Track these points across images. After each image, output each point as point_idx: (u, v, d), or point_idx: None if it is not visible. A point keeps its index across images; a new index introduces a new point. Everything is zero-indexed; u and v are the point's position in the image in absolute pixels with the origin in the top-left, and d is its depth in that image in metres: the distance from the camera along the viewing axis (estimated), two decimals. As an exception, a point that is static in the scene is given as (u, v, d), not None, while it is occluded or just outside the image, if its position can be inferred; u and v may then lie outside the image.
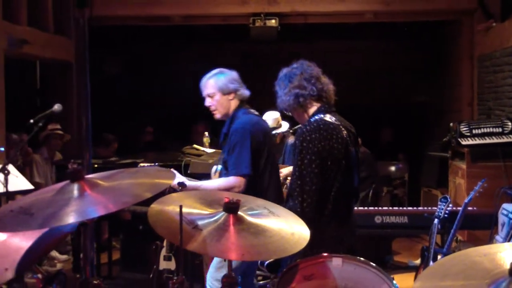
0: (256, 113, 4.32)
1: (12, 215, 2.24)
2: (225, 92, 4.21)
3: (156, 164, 5.86)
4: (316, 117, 3.34)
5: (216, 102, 4.24)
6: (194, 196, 2.62)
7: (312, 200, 3.08)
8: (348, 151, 3.29)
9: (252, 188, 3.94)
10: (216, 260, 4.10)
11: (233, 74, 4.29)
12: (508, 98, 7.37)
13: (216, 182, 4.20)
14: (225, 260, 3.73)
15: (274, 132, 6.28)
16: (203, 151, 5.93)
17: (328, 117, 3.32)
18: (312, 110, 3.40)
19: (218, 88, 4.22)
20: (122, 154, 7.43)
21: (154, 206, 2.53)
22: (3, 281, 2.30)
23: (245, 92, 4.25)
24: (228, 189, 4.00)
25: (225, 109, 4.24)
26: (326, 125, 3.26)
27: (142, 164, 6.34)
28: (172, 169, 4.25)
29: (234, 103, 4.24)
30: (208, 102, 4.29)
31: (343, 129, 3.32)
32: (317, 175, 3.13)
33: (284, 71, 3.51)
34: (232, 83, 4.23)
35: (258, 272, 4.63)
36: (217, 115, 4.30)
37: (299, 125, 6.41)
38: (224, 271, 4.01)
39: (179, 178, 4.17)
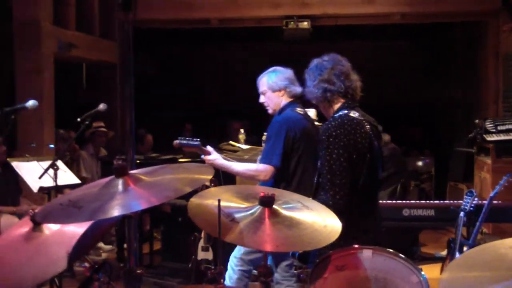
0: (302, 112, 4.29)
1: (61, 208, 2.27)
2: (275, 89, 4.24)
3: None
4: (341, 112, 3.29)
5: (268, 99, 4.28)
6: (231, 191, 2.63)
7: (345, 193, 3.06)
8: (371, 145, 3.25)
9: (283, 181, 3.99)
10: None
11: (286, 72, 4.29)
12: (533, 95, 7.27)
13: (246, 166, 4.27)
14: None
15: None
16: (239, 147, 5.94)
17: (352, 113, 3.27)
18: (337, 105, 3.35)
19: (268, 86, 4.26)
20: (162, 151, 7.47)
21: (194, 200, 2.54)
22: (59, 270, 2.34)
23: (296, 89, 4.22)
24: (255, 174, 4.07)
25: (276, 105, 4.26)
26: (350, 121, 3.22)
27: (181, 160, 6.39)
28: (208, 146, 4.33)
29: (284, 100, 4.25)
30: (261, 98, 4.33)
31: (366, 124, 3.27)
32: (346, 168, 3.10)
33: (315, 62, 3.44)
34: (282, 80, 4.24)
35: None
36: (269, 111, 4.33)
37: None
38: (258, 254, 4.09)
39: (215, 154, 4.24)
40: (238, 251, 4.20)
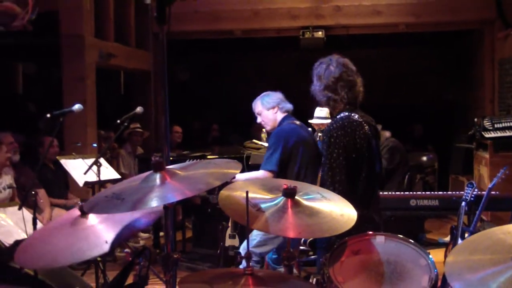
0: (298, 123, 4.48)
1: (106, 200, 2.29)
2: (269, 107, 4.46)
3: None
4: (342, 114, 3.29)
5: (264, 118, 4.50)
6: (257, 184, 2.63)
7: (343, 188, 3.06)
8: (370, 144, 3.26)
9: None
10: (255, 235, 4.24)
11: (276, 93, 4.52)
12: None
13: (248, 175, 4.42)
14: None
15: (325, 121, 6.22)
16: (261, 145, 5.94)
17: (352, 115, 3.27)
18: (339, 109, 3.35)
19: (263, 106, 4.49)
20: (193, 148, 7.51)
21: (224, 192, 2.54)
22: (102, 252, 2.36)
23: (287, 106, 4.52)
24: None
25: (272, 121, 4.50)
26: (350, 123, 3.22)
27: (209, 157, 6.40)
28: None
29: (279, 115, 4.46)
30: (258, 119, 4.56)
31: (365, 124, 3.27)
32: (345, 166, 3.12)
33: (324, 65, 3.36)
34: (274, 100, 4.46)
35: (302, 247, 4.66)
36: (267, 128, 4.60)
37: None
38: (267, 247, 4.16)
39: None
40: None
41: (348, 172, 3.12)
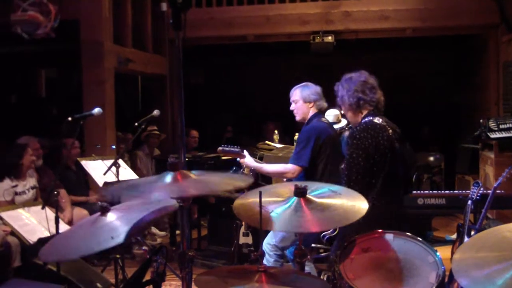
0: (327, 121, 4.42)
1: (124, 190, 2.39)
2: (306, 100, 4.34)
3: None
4: (366, 119, 3.34)
5: (298, 108, 4.37)
6: (266, 191, 2.63)
7: (358, 187, 3.06)
8: (393, 147, 3.27)
9: (312, 179, 4.00)
10: (274, 234, 4.22)
11: (317, 88, 4.38)
12: (528, 97, 7.26)
13: (276, 166, 4.37)
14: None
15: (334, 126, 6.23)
16: (274, 146, 5.94)
17: (376, 119, 3.31)
18: (364, 113, 3.39)
19: (301, 96, 4.35)
20: (208, 149, 7.52)
21: (238, 201, 2.60)
22: (110, 246, 2.38)
23: (323, 104, 4.39)
24: (284, 172, 4.17)
25: (304, 114, 4.37)
26: (373, 126, 3.25)
27: (223, 158, 6.40)
28: (245, 151, 4.42)
29: (312, 111, 4.35)
30: (292, 106, 4.42)
31: (389, 128, 3.30)
32: (362, 167, 3.13)
33: (347, 76, 3.48)
34: (314, 95, 4.34)
35: (319, 245, 4.64)
36: (297, 117, 4.43)
37: None
38: (288, 242, 4.15)
39: (249, 157, 4.33)
40: (271, 239, 4.24)
41: (365, 173, 3.13)
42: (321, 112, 4.41)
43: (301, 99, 4.34)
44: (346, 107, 3.46)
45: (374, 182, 3.15)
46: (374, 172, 3.13)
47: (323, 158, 4.15)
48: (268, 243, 4.24)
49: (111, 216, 2.52)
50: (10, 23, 5.13)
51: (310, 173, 4.13)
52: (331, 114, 6.64)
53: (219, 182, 2.49)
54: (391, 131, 3.30)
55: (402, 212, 3.43)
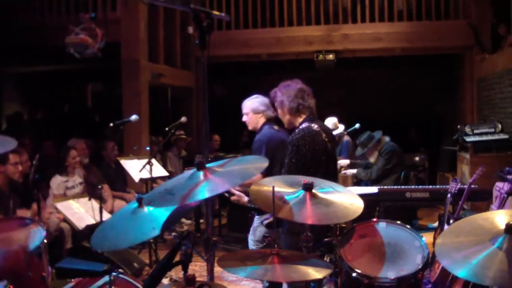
0: (276, 128, 4.11)
1: (160, 195, 2.29)
2: (255, 112, 4.12)
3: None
4: (304, 125, 3.22)
5: (249, 119, 4.16)
6: (280, 180, 2.61)
7: None
8: (326, 149, 3.19)
9: None
10: (252, 230, 4.11)
11: (264, 99, 4.13)
12: (498, 107, 7.42)
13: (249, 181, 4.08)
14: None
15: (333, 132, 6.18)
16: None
17: (312, 125, 3.20)
18: (303, 117, 3.27)
19: (251, 108, 4.14)
20: (227, 151, 7.54)
21: (254, 187, 2.54)
22: (152, 236, 2.38)
23: (270, 113, 4.07)
24: (251, 182, 3.76)
25: (254, 124, 4.15)
26: (309, 132, 3.15)
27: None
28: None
29: (261, 120, 4.12)
30: (244, 118, 4.21)
31: (322, 133, 3.20)
32: (300, 169, 3.03)
33: (286, 83, 3.37)
34: (262, 106, 4.11)
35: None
36: (249, 127, 4.22)
37: (354, 127, 6.32)
38: (262, 230, 3.98)
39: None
40: (253, 235, 4.12)
41: (303, 174, 2.91)
42: (271, 121, 4.13)
43: (251, 111, 4.13)
44: (286, 111, 3.31)
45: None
46: (310, 173, 2.96)
47: (276, 162, 3.84)
48: (251, 239, 4.17)
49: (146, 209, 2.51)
50: (64, 45, 5.19)
51: (268, 176, 3.89)
52: (330, 122, 6.64)
53: (243, 169, 2.38)
54: (324, 135, 3.20)
55: None
